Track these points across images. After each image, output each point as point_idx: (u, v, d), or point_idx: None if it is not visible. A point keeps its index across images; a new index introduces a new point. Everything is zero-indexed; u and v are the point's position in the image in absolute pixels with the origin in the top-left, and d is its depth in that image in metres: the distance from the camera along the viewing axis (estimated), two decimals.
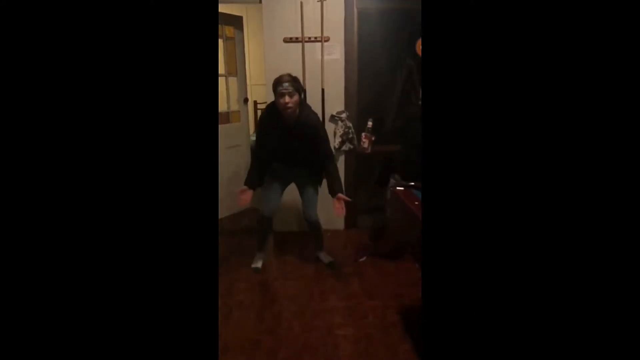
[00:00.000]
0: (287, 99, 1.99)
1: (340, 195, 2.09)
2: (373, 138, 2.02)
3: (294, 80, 2.03)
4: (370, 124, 2.04)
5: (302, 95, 2.11)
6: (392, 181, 2.27)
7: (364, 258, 2.54)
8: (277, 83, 2.02)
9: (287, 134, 2.13)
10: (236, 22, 3.25)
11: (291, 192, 2.42)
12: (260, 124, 2.23)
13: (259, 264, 2.43)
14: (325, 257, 2.49)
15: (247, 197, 2.20)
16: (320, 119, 2.26)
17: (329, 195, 2.19)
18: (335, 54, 2.71)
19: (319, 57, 2.69)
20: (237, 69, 3.26)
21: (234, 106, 3.33)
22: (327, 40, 2.67)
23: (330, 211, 2.34)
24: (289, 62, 2.68)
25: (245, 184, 2.23)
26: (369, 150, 2.09)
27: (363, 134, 2.08)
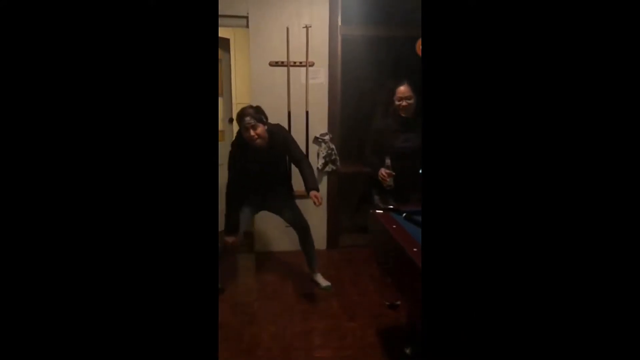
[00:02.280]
0: (251, 132, 2.05)
1: (312, 192, 2.12)
2: (393, 173, 2.09)
3: (255, 111, 2.07)
4: (388, 161, 2.08)
5: (266, 122, 2.13)
6: (375, 198, 2.25)
7: (398, 302, 2.23)
8: (240, 118, 2.07)
9: (261, 158, 2.16)
10: (223, 44, 3.32)
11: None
12: (232, 162, 2.21)
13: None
14: (322, 281, 2.45)
15: (233, 240, 2.22)
16: (285, 128, 2.28)
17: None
18: (320, 78, 2.79)
19: (304, 81, 2.77)
20: (223, 89, 3.31)
21: (219, 126, 3.36)
22: (312, 64, 2.75)
23: (313, 232, 2.38)
24: (275, 85, 2.75)
25: (225, 232, 2.23)
26: (392, 186, 2.11)
27: (384, 171, 2.09)
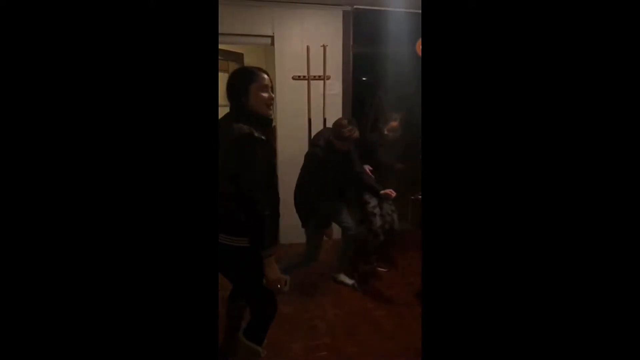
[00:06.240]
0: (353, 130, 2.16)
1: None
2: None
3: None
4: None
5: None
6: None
7: None
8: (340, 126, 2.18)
9: (341, 162, 2.26)
10: (237, 58, 3.63)
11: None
12: (315, 161, 2.21)
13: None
14: (346, 279, 2.59)
15: (329, 231, 2.30)
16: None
17: None
18: (335, 89, 3.19)
19: (322, 92, 3.15)
20: None
21: None
22: (329, 78, 3.14)
23: None
24: (297, 96, 3.12)
25: (321, 227, 2.28)
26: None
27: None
